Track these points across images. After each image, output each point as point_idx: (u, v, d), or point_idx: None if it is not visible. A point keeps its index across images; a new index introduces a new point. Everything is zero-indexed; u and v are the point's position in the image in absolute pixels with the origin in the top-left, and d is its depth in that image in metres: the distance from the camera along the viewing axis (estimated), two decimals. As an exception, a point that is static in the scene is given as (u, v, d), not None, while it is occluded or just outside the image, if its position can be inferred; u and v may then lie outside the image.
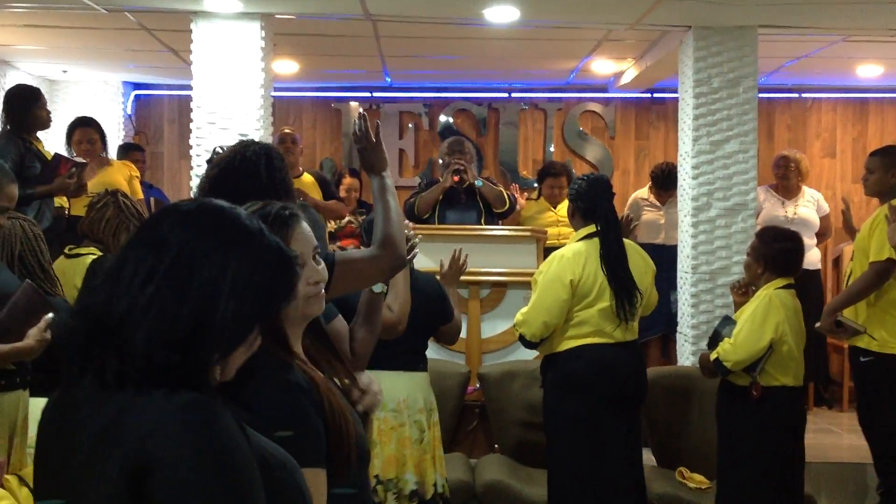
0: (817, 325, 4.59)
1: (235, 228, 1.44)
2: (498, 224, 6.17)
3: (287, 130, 6.48)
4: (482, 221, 6.09)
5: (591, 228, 4.19)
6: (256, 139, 5.45)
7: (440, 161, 6.32)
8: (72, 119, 6.22)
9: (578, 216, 4.26)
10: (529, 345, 4.22)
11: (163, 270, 1.38)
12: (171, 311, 1.35)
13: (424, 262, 5.23)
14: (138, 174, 6.38)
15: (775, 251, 4.26)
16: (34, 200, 5.16)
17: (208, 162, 3.25)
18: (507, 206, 6.16)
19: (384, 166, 2.70)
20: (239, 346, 1.43)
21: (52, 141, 6.32)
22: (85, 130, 5.98)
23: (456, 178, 6.04)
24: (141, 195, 6.16)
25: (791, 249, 4.31)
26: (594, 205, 4.18)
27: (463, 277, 4.40)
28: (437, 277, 4.20)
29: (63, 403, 1.43)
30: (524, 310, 4.20)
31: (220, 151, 2.88)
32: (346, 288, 2.55)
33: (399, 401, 3.81)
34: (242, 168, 2.64)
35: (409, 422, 3.81)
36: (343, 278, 2.46)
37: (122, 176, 6.03)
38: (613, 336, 4.13)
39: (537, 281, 4.20)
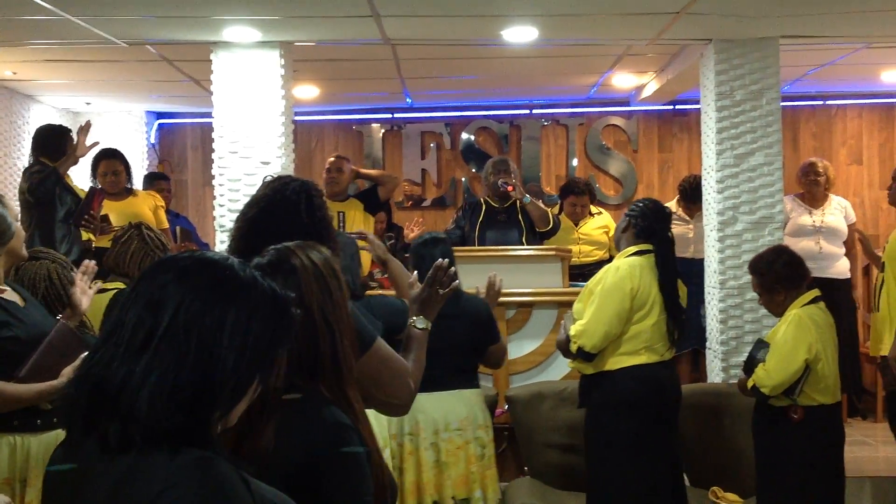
0: (890, 354, 4.51)
1: (229, 281, 1.43)
2: (541, 243, 6.16)
3: (333, 158, 6.56)
4: (523, 241, 6.10)
5: (646, 247, 4.22)
6: (279, 167, 5.57)
7: (484, 180, 6.38)
8: (96, 150, 6.28)
9: (632, 233, 4.27)
10: (587, 357, 4.17)
11: (160, 332, 1.37)
12: (172, 374, 1.35)
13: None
14: (163, 204, 6.42)
15: (780, 269, 4.22)
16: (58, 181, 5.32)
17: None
18: (551, 225, 6.16)
19: (434, 315, 2.75)
20: (242, 398, 1.43)
21: (77, 171, 6.39)
22: (110, 162, 6.03)
23: (510, 188, 6.10)
24: (166, 225, 6.22)
25: (789, 259, 4.28)
26: (653, 227, 4.23)
27: (488, 299, 4.45)
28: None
29: (67, 468, 1.43)
30: (581, 322, 4.17)
31: (270, 178, 2.85)
32: (361, 378, 2.46)
33: (462, 419, 3.93)
34: (283, 207, 2.61)
35: (472, 439, 3.92)
36: (365, 365, 2.33)
37: (147, 206, 6.08)
38: (661, 354, 4.17)
39: (594, 292, 4.19)
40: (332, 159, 6.56)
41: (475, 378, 4.12)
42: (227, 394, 1.39)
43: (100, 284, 3.55)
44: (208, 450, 1.37)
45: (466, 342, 3.97)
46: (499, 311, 5.52)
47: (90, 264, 3.43)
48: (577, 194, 6.87)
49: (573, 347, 4.18)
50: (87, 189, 5.70)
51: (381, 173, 6.89)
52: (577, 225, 6.78)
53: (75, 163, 5.50)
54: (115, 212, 5.61)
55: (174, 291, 1.40)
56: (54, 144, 5.54)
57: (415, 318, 2.70)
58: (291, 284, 1.92)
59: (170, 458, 1.33)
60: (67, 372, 3.18)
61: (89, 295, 3.34)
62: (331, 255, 2.09)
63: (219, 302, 1.40)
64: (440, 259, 2.82)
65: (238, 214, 2.72)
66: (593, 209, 7.09)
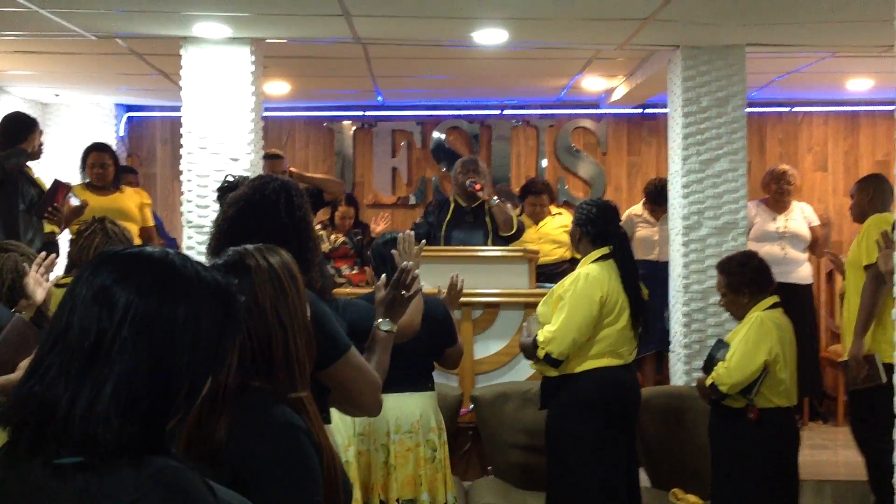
0: (848, 356, 4.61)
1: (173, 278, 1.35)
2: (506, 245, 6.18)
3: (269, 152, 6.42)
4: (488, 242, 6.12)
5: (605, 251, 4.25)
6: (249, 163, 5.57)
7: (453, 179, 6.35)
8: (64, 142, 6.28)
9: (587, 241, 4.30)
10: (554, 363, 4.19)
11: (108, 340, 1.29)
12: (126, 384, 1.27)
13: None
14: (150, 202, 6.40)
15: (749, 274, 4.30)
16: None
17: (219, 190, 3.24)
18: (514, 230, 6.18)
19: (400, 317, 2.75)
20: (198, 398, 1.38)
21: (44, 163, 6.35)
22: (99, 154, 6.05)
23: (478, 187, 6.10)
24: (152, 223, 6.21)
25: (759, 264, 4.37)
26: (606, 229, 4.26)
27: (455, 299, 4.46)
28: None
29: (10, 484, 1.31)
30: (550, 328, 4.19)
31: (231, 179, 2.85)
32: (332, 384, 2.44)
33: (414, 421, 3.93)
34: (263, 206, 2.60)
35: (422, 441, 3.93)
36: (338, 372, 2.38)
37: (133, 203, 6.09)
38: (624, 357, 4.23)
39: (563, 298, 4.21)
40: (274, 160, 6.40)
41: (430, 380, 4.11)
42: (184, 396, 1.33)
43: (58, 276, 3.53)
44: (168, 455, 1.31)
45: (422, 344, 3.89)
46: (465, 311, 5.56)
47: (51, 257, 3.43)
48: (536, 194, 6.98)
49: (540, 353, 4.21)
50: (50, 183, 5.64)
51: (326, 178, 6.45)
52: (536, 224, 6.85)
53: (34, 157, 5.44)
54: (101, 207, 5.55)
55: (118, 294, 1.30)
56: (16, 137, 5.44)
57: (380, 320, 2.71)
58: (245, 284, 1.94)
59: (131, 470, 1.26)
60: (24, 365, 3.18)
61: (44, 286, 3.33)
62: (290, 258, 2.10)
63: (167, 301, 1.32)
64: (405, 262, 2.85)
65: (219, 212, 2.73)
66: (553, 209, 7.15)
